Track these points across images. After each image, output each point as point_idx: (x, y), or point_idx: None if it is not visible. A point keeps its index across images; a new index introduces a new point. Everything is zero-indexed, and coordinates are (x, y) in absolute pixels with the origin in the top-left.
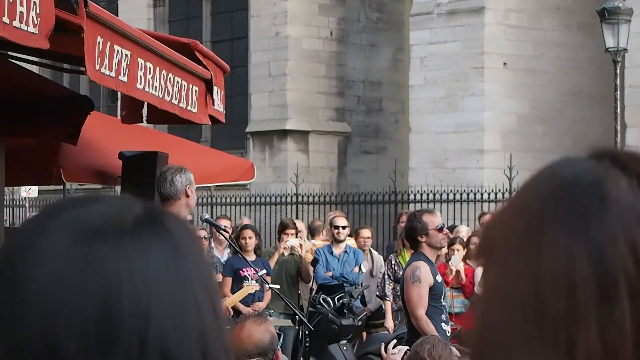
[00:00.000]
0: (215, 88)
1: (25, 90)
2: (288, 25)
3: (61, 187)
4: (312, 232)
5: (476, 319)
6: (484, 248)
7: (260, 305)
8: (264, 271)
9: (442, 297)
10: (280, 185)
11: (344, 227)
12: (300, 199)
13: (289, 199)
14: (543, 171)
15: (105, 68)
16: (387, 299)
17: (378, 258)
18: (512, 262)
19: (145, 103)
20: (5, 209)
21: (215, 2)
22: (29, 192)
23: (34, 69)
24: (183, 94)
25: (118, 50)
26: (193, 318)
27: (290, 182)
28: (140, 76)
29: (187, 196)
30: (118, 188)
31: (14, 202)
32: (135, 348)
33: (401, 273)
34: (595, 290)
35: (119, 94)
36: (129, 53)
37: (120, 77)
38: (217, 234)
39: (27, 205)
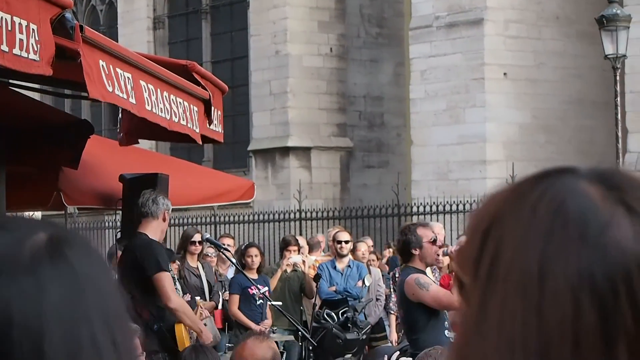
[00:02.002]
0: (212, 108)
1: (25, 117)
2: (288, 43)
3: (63, 212)
4: (311, 248)
5: (465, 356)
6: (469, 267)
7: (268, 323)
8: (266, 289)
9: None
10: (283, 203)
11: (346, 242)
12: (303, 215)
13: (292, 216)
14: (546, 197)
15: (117, 90)
16: (392, 312)
17: (375, 271)
18: (512, 301)
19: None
20: None
21: (214, 23)
22: (32, 217)
23: (36, 95)
24: (187, 114)
25: (120, 73)
26: (86, 347)
27: (293, 198)
28: (147, 98)
29: (164, 220)
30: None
31: None
32: None
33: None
34: (600, 341)
35: (119, 117)
36: (130, 75)
37: (130, 100)
38: (220, 252)
39: None
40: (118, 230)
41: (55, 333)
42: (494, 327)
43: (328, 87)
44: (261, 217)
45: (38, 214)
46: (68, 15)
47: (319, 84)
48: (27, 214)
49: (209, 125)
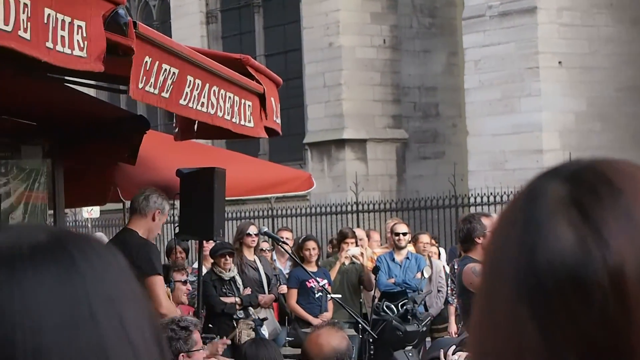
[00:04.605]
0: (271, 99)
1: (81, 114)
2: (341, 35)
3: (121, 207)
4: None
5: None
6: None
7: (327, 316)
8: (325, 281)
9: None
10: (339, 195)
11: (404, 234)
12: (360, 207)
13: (349, 208)
14: (515, 207)
15: (150, 86)
16: (451, 303)
17: (437, 263)
18: (479, 315)
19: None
20: None
21: (267, 16)
22: (91, 212)
23: (91, 92)
24: (236, 109)
25: (165, 69)
26: (88, 332)
27: (349, 191)
28: (187, 92)
29: (153, 220)
30: (177, 204)
31: (77, 223)
32: None
33: None
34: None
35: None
36: (176, 71)
37: (163, 94)
38: (278, 246)
39: (89, 225)
40: (176, 224)
41: (53, 314)
42: (474, 342)
43: (382, 79)
44: (318, 209)
45: (97, 209)
46: (121, 11)
47: (372, 76)
48: (87, 209)
49: (267, 118)
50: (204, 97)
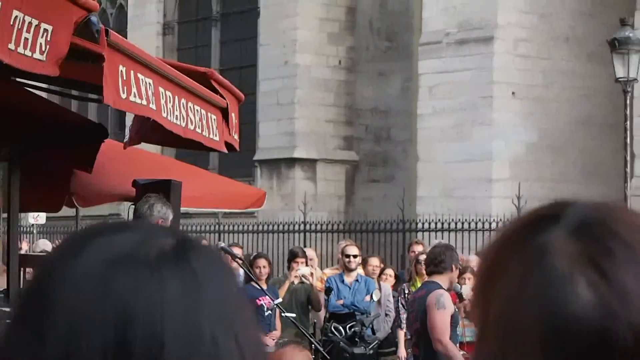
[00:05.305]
0: (232, 114)
1: (40, 118)
2: (297, 53)
3: (69, 214)
4: None
5: None
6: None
7: (276, 334)
8: (280, 299)
9: (457, 325)
10: (288, 213)
11: (355, 256)
12: (308, 227)
13: (297, 227)
14: (521, 262)
15: (134, 96)
16: (401, 328)
17: (385, 286)
18: None
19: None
20: None
21: (224, 31)
22: (37, 218)
23: (42, 95)
24: (204, 122)
25: (141, 79)
26: (206, 344)
27: (298, 210)
28: (163, 105)
29: None
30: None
31: (22, 228)
32: None
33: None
34: None
35: (127, 121)
36: (151, 81)
37: (151, 105)
38: (232, 261)
39: (34, 232)
40: None
41: (174, 324)
42: None
43: (336, 99)
44: (266, 227)
45: (43, 216)
46: (94, 18)
47: (326, 96)
48: (32, 215)
49: (229, 133)
50: (176, 110)
